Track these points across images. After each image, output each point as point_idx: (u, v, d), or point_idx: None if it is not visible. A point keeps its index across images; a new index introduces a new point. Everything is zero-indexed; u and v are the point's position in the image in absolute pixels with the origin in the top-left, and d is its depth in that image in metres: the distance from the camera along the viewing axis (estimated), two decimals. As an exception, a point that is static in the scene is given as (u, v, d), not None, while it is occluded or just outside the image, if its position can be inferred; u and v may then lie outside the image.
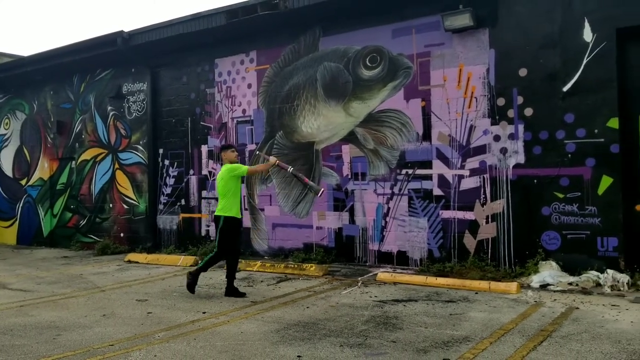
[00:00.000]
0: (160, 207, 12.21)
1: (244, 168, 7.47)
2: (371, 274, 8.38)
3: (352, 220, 9.53)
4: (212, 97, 11.40)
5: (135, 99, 12.72)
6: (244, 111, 10.94)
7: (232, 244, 7.19)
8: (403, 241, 9.00)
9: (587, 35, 7.46)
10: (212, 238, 11.22)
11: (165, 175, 12.15)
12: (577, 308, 6.10)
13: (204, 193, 11.47)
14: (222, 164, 7.69)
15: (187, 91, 11.79)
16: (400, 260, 8.99)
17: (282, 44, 10.38)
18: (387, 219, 9.19)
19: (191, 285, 7.18)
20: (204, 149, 11.50)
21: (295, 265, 8.97)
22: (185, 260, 10.10)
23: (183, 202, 11.79)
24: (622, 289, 6.81)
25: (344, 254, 9.57)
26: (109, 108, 13.24)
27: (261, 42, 10.66)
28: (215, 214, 7.36)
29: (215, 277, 8.58)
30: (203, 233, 11.43)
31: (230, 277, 7.19)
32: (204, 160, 11.49)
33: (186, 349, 4.86)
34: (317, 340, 5.05)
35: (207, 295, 7.30)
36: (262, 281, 8.27)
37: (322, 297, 7.01)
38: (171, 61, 11.96)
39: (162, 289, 7.90)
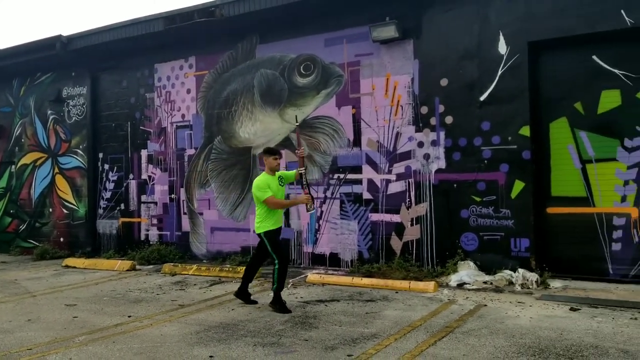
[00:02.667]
0: (100, 211, 12.18)
1: (264, 197, 6.47)
2: (302, 275, 8.65)
3: (287, 224, 9.77)
4: (151, 102, 11.47)
5: (75, 103, 12.65)
6: (183, 116, 11.06)
7: (283, 248, 6.86)
8: (335, 243, 9.31)
9: (502, 48, 7.94)
10: (151, 242, 11.30)
11: (105, 179, 12.13)
12: (485, 305, 6.52)
13: (144, 197, 11.52)
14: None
15: (127, 96, 11.82)
16: (333, 261, 9.30)
17: (220, 51, 10.56)
18: (321, 222, 9.48)
19: (283, 307, 6.45)
20: (144, 153, 11.55)
21: (230, 269, 9.15)
22: (122, 265, 10.14)
23: (123, 206, 11.80)
24: (530, 287, 7.29)
25: (280, 257, 9.79)
26: (49, 112, 13.12)
27: (200, 49, 10.81)
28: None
29: (148, 282, 8.69)
30: (142, 237, 11.48)
31: (280, 286, 6.53)
32: (144, 164, 11.54)
33: (103, 352, 5.00)
34: (233, 341, 5.27)
35: (137, 299, 7.42)
36: (195, 284, 8.43)
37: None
38: (111, 65, 11.97)
39: (94, 293, 7.97)
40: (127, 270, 9.97)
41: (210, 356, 4.82)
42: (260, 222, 6.56)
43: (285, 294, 7.43)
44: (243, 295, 6.94)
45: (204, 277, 9.00)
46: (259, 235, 6.63)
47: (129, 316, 6.44)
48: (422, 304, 6.70)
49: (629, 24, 7.14)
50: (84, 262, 10.83)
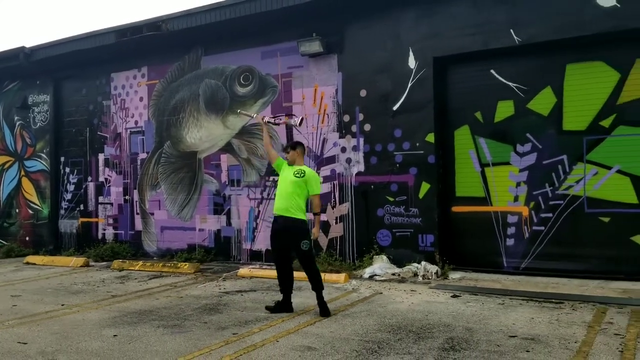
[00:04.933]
0: (62, 212, 12.94)
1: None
2: (235, 270, 9.45)
3: (229, 223, 10.58)
4: (108, 109, 12.24)
5: (40, 110, 13.40)
6: (136, 122, 11.84)
7: (276, 246, 6.54)
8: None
9: (411, 62, 8.77)
10: (107, 240, 12.06)
11: (66, 182, 12.90)
12: (381, 293, 7.34)
13: (101, 199, 12.29)
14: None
15: (86, 103, 12.59)
16: (268, 257, 10.08)
17: (169, 62, 11.34)
18: (258, 221, 10.29)
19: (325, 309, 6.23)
20: (101, 157, 12.32)
21: (172, 264, 9.95)
22: (76, 262, 10.91)
23: (82, 207, 12.57)
24: (430, 278, 8.12)
25: (222, 253, 10.62)
26: (16, 118, 13.87)
27: (152, 59, 11.59)
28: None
29: (95, 276, 9.47)
30: (100, 236, 12.25)
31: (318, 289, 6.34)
32: (101, 168, 12.32)
33: (24, 332, 5.78)
34: (141, 324, 6.06)
35: (77, 291, 8.19)
36: (136, 279, 9.21)
37: (178, 290, 8.03)
38: (72, 75, 12.73)
39: (41, 286, 8.73)
40: (81, 266, 10.73)
41: (114, 335, 5.61)
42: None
43: (212, 286, 8.26)
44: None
45: (147, 272, 9.79)
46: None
47: (62, 305, 7.21)
48: (328, 293, 7.46)
49: (517, 42, 7.98)
50: (43, 259, 11.58)
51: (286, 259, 6.38)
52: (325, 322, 5.95)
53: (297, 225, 6.22)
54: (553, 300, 6.66)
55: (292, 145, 6.63)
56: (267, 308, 6.47)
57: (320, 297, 6.26)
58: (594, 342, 4.99)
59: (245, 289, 7.99)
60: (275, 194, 6.53)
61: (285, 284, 6.38)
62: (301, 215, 6.25)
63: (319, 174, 9.50)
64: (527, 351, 4.77)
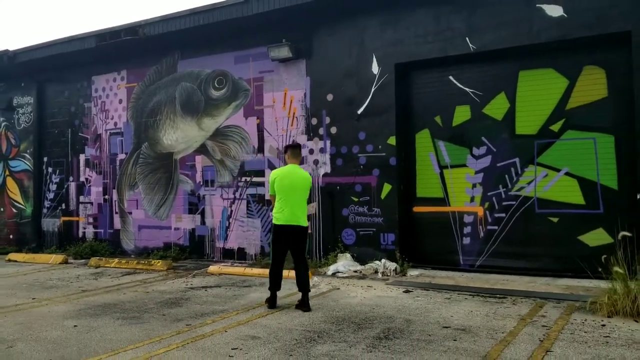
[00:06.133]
0: (45, 211, 13.27)
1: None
2: (205, 268, 9.78)
3: (203, 222, 10.92)
4: (89, 111, 12.58)
5: (24, 111, 13.74)
6: (115, 124, 12.18)
7: (277, 248, 6.66)
8: (242, 239, 10.46)
9: (375, 68, 9.12)
10: (87, 239, 12.40)
11: (48, 181, 13.23)
12: (338, 289, 7.68)
13: (82, 198, 12.62)
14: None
15: (68, 105, 12.93)
16: (240, 255, 10.45)
17: (147, 65, 11.69)
18: (231, 220, 10.63)
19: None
20: (82, 157, 12.66)
21: (146, 262, 10.29)
22: (55, 259, 11.24)
23: (64, 206, 12.90)
24: (389, 274, 8.46)
25: (197, 251, 10.96)
26: (2, 119, 14.20)
27: (131, 63, 11.94)
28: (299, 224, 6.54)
29: (71, 273, 9.80)
30: (80, 234, 12.58)
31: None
32: (82, 168, 12.66)
33: (-10, 323, 6.12)
34: (103, 316, 6.40)
35: (50, 286, 8.52)
36: (109, 275, 9.54)
37: (146, 286, 8.36)
38: (55, 77, 13.07)
39: (17, 282, 9.06)
40: (60, 263, 11.07)
41: (75, 325, 5.94)
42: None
43: (179, 282, 8.59)
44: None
45: (121, 269, 10.12)
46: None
47: (33, 298, 7.54)
48: (287, 288, 7.80)
49: (472, 49, 8.35)
50: (24, 256, 11.91)
51: (283, 260, 6.64)
52: (277, 314, 6.29)
53: (304, 231, 6.57)
54: (498, 296, 7.01)
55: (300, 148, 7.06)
56: (269, 307, 6.59)
57: (305, 297, 6.48)
58: (520, 332, 5.34)
59: (211, 284, 8.33)
60: (279, 199, 6.54)
61: (279, 282, 6.61)
62: (306, 220, 6.63)
63: (288, 175, 9.88)
64: (454, 340, 5.12)
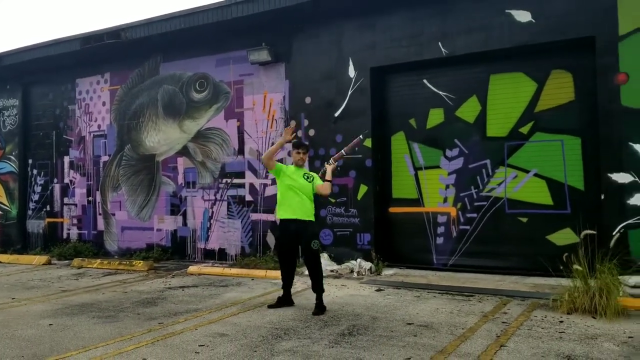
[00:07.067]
0: (29, 212, 13.39)
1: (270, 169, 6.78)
2: (185, 268, 9.93)
3: (185, 223, 11.08)
4: (73, 113, 12.71)
5: (9, 114, 13.84)
6: (99, 126, 12.32)
7: (282, 245, 6.77)
8: (223, 240, 10.62)
9: (351, 72, 9.31)
10: (72, 240, 12.51)
11: (33, 183, 13.34)
12: (312, 288, 7.83)
13: (66, 200, 12.75)
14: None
15: (53, 107, 13.05)
16: (221, 256, 10.60)
17: (130, 68, 11.83)
18: (212, 221, 10.79)
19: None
20: (66, 159, 12.79)
21: (127, 262, 10.43)
22: (39, 260, 11.36)
23: (48, 208, 13.02)
24: (364, 274, 8.65)
25: (179, 252, 11.11)
26: (-13, 121, 14.28)
27: (114, 66, 12.08)
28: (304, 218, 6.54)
29: (53, 274, 9.93)
30: (65, 236, 12.70)
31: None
32: (66, 170, 12.78)
33: (-33, 322, 6.26)
34: (78, 315, 6.54)
35: (32, 287, 8.66)
36: (90, 275, 9.68)
37: (125, 286, 8.51)
38: (39, 80, 13.19)
39: (0, 282, 9.19)
40: (43, 264, 11.19)
41: (50, 324, 6.09)
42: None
43: (158, 283, 8.74)
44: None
45: (103, 270, 10.26)
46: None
47: (13, 298, 7.68)
48: (263, 287, 8.02)
49: (444, 53, 8.55)
50: (8, 257, 12.03)
51: (293, 259, 6.72)
52: (249, 313, 6.46)
53: (310, 227, 6.55)
54: (465, 294, 7.21)
55: (306, 147, 7.04)
56: (269, 307, 6.66)
57: (319, 299, 6.48)
58: (480, 328, 5.54)
59: (189, 284, 8.49)
60: (278, 197, 6.67)
61: (289, 280, 6.71)
62: (312, 217, 6.61)
63: (267, 177, 10.07)
64: (415, 336, 5.31)
